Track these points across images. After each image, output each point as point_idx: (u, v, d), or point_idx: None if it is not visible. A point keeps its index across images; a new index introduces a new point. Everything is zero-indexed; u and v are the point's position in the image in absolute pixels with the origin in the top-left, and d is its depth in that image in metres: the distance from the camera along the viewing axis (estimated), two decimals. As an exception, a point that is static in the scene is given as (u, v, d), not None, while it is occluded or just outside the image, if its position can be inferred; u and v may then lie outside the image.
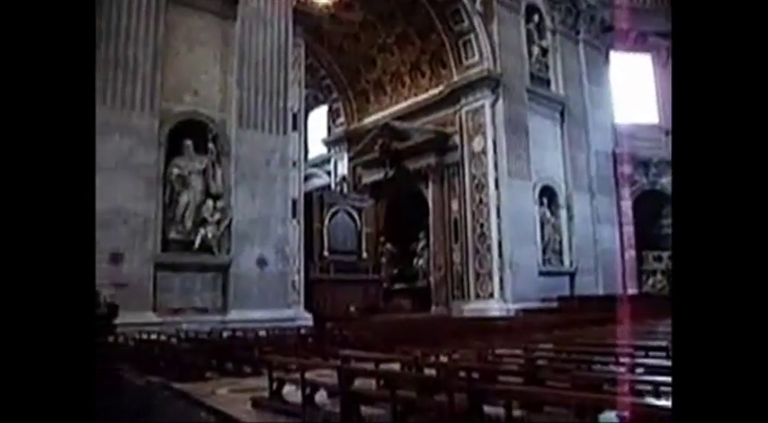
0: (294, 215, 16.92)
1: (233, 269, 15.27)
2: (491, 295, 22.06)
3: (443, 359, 6.44)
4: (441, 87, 25.21)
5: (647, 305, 19.18)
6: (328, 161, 31.86)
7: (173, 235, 14.69)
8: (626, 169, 27.35)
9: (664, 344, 6.66)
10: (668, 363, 5.19)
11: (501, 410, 4.06)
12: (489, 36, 23.28)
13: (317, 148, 33.11)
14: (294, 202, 16.95)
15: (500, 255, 22.00)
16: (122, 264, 13.46)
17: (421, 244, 26.10)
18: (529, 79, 24.45)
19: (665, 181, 27.28)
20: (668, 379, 3.97)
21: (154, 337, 10.92)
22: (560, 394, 4.26)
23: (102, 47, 13.86)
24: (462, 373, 4.84)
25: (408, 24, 25.44)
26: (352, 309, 21.11)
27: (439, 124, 25.28)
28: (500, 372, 5.56)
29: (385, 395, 4.93)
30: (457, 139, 24.22)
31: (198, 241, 14.86)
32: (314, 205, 21.66)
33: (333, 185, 29.51)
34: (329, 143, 32.00)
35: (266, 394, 5.65)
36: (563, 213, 24.74)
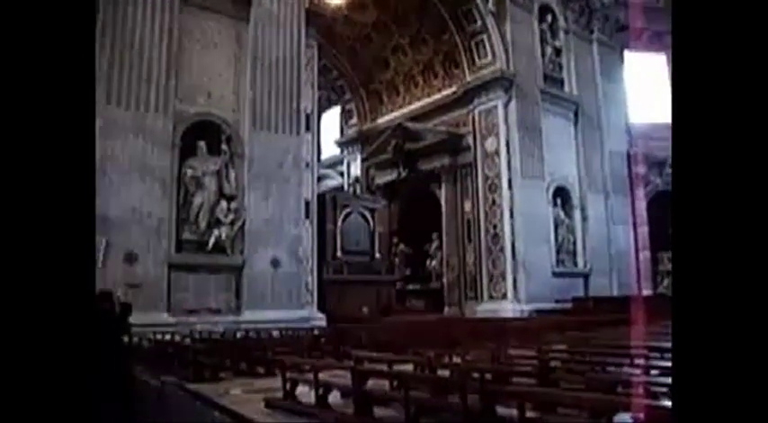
0: (307, 216, 16.97)
1: (246, 270, 15.34)
2: (504, 296, 21.98)
3: (456, 360, 6.42)
4: (454, 88, 25.16)
5: (661, 306, 18.98)
6: (341, 162, 31.89)
7: (187, 236, 14.79)
8: (641, 169, 27.12)
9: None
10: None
11: (514, 412, 4.04)
12: (502, 36, 23.20)
13: (329, 149, 33.16)
14: (307, 203, 17.00)
15: (513, 255, 21.91)
16: (137, 264, 13.57)
17: (434, 245, 26.05)
18: (542, 79, 24.32)
19: (681, 181, 26.96)
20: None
21: (168, 337, 10.99)
22: (574, 396, 4.23)
23: (117, 49, 14.01)
24: (475, 375, 4.83)
25: (421, 25, 25.42)
26: (364, 309, 21.12)
27: (452, 125, 25.24)
28: (513, 373, 5.54)
29: (398, 396, 4.93)
30: (470, 139, 24.17)
31: (212, 242, 14.94)
32: (327, 206, 21.69)
33: (346, 186, 29.54)
34: (342, 144, 32.03)
35: (280, 395, 5.67)
36: (577, 214, 24.59)
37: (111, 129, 13.71)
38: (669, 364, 5.70)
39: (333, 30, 24.69)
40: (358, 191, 25.25)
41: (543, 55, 24.88)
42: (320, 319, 16.64)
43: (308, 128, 17.34)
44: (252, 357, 8.09)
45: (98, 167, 13.40)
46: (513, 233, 22.05)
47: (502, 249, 22.23)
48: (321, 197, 20.64)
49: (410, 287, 26.40)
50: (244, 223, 15.44)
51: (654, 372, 5.32)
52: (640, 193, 26.92)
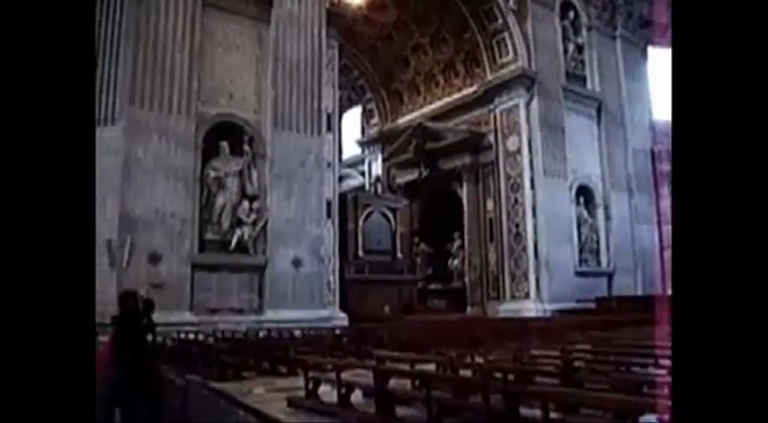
0: (329, 216, 17.03)
1: (269, 269, 15.42)
2: (527, 296, 21.85)
3: (479, 360, 6.39)
4: (475, 87, 25.06)
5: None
6: (362, 162, 31.95)
7: (209, 236, 14.91)
8: (665, 167, 26.73)
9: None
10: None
11: (537, 412, 4.01)
12: (523, 34, 23.05)
13: (351, 149, 33.23)
14: (329, 203, 17.06)
15: (536, 255, 21.76)
16: (161, 264, 13.72)
17: (456, 244, 25.97)
18: (564, 77, 24.11)
19: (706, 179, 26.58)
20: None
21: (191, 336, 11.09)
22: (599, 396, 4.19)
23: (140, 52, 14.18)
24: (498, 375, 4.80)
25: (442, 24, 25.37)
26: (386, 309, 21.14)
27: (473, 124, 25.14)
28: (536, 373, 5.50)
29: (420, 396, 4.91)
30: (491, 138, 24.05)
31: (234, 242, 15.05)
32: (348, 206, 21.75)
33: (367, 186, 29.57)
34: (363, 144, 32.09)
35: (302, 394, 5.69)
36: (600, 213, 24.36)
37: (135, 130, 13.90)
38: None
39: (353, 30, 24.74)
40: (379, 190, 25.26)
41: (565, 52, 24.67)
42: (342, 319, 16.68)
43: (329, 128, 17.39)
44: (274, 357, 8.13)
45: (123, 168, 13.61)
46: (535, 232, 21.90)
47: (524, 249, 22.09)
48: (342, 197, 20.69)
49: (432, 287, 26.36)
50: (266, 223, 15.53)
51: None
52: (665, 191, 26.54)
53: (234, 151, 15.57)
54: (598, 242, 24.17)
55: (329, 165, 17.32)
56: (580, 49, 25.40)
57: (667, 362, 5.87)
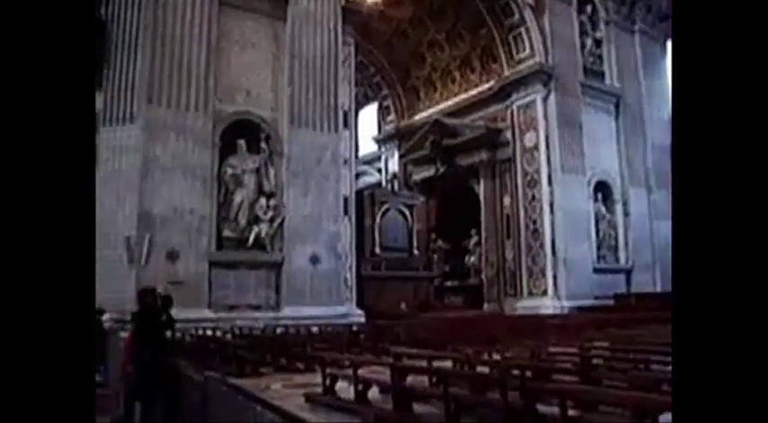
0: (346, 213, 17.06)
1: (286, 266, 15.49)
2: (544, 293, 21.73)
3: (496, 357, 6.37)
4: (491, 82, 24.95)
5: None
6: (379, 159, 31.94)
7: (227, 233, 15.00)
8: (685, 162, 26.39)
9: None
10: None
11: (555, 410, 3.99)
12: (541, 29, 22.87)
13: (367, 146, 33.25)
14: (346, 200, 17.09)
15: (553, 251, 21.64)
16: (179, 262, 13.83)
17: (473, 241, 25.89)
18: (582, 72, 23.88)
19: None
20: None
21: (209, 333, 11.17)
22: (617, 394, 4.15)
23: (157, 50, 14.30)
24: (516, 372, 4.78)
25: (458, 19, 25.27)
26: (403, 306, 21.14)
27: (490, 120, 25.03)
28: (554, 370, 5.47)
29: (437, 392, 4.91)
30: (508, 134, 23.93)
31: (251, 239, 15.13)
32: (365, 203, 21.77)
33: (384, 183, 29.59)
34: (379, 141, 32.08)
35: (319, 390, 5.70)
36: (618, 209, 24.15)
37: (153, 128, 14.02)
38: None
39: (369, 26, 24.73)
40: (396, 187, 25.26)
41: (583, 47, 24.42)
42: (359, 316, 16.71)
43: (345, 125, 17.42)
44: (292, 353, 8.15)
45: (141, 166, 13.74)
46: (553, 229, 21.77)
47: (542, 245, 21.98)
48: (359, 194, 20.71)
49: (448, 283, 26.30)
50: (283, 220, 15.59)
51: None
52: (685, 186, 26.20)
53: (251, 149, 15.64)
54: (616, 238, 23.97)
55: (346, 162, 17.35)
56: (598, 43, 25.15)
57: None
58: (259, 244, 15.24)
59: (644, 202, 24.67)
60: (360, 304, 17.59)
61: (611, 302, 21.35)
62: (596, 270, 22.49)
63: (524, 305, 21.84)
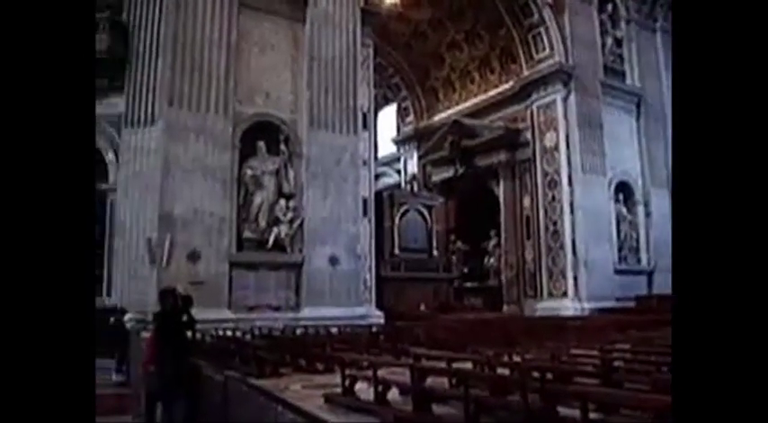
0: (365, 214, 17.08)
1: (305, 267, 15.53)
2: (564, 294, 21.58)
3: (516, 359, 6.34)
4: (511, 83, 24.85)
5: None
6: (398, 160, 31.95)
7: (247, 234, 15.08)
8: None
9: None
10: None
11: (576, 412, 3.96)
12: (560, 28, 22.72)
13: (386, 147, 33.25)
14: (365, 201, 17.11)
15: (574, 253, 21.48)
16: (199, 262, 13.93)
17: (492, 242, 25.79)
18: (602, 72, 23.69)
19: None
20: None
21: (229, 333, 11.24)
22: (639, 397, 4.12)
23: (178, 53, 14.41)
24: (536, 374, 4.76)
25: (477, 20, 25.20)
26: (422, 307, 21.10)
27: (509, 120, 24.93)
28: (575, 372, 5.43)
29: (457, 394, 4.90)
30: (528, 134, 23.81)
31: (271, 240, 15.19)
32: (384, 204, 21.77)
33: (403, 184, 29.57)
34: (398, 142, 32.08)
35: (339, 391, 5.72)
36: (640, 209, 23.91)
37: (173, 130, 14.14)
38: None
39: (388, 27, 24.74)
40: (415, 188, 25.23)
41: (603, 46, 24.22)
42: (378, 317, 16.71)
43: (365, 126, 17.45)
44: (311, 354, 8.18)
45: (162, 168, 13.86)
46: (573, 230, 21.62)
47: (562, 246, 21.83)
48: (378, 195, 20.72)
49: (468, 285, 26.21)
50: (302, 221, 15.64)
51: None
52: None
53: (270, 150, 15.71)
54: (638, 239, 23.74)
55: (365, 163, 17.37)
56: (619, 42, 24.92)
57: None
58: (279, 245, 15.30)
59: (666, 203, 24.34)
60: (379, 305, 17.59)
61: (632, 304, 21.13)
62: (617, 271, 22.29)
63: (544, 307, 21.70)
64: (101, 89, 14.81)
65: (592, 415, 3.98)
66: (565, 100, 22.48)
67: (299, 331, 12.25)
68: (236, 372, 7.18)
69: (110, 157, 14.90)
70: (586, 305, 20.82)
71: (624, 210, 23.50)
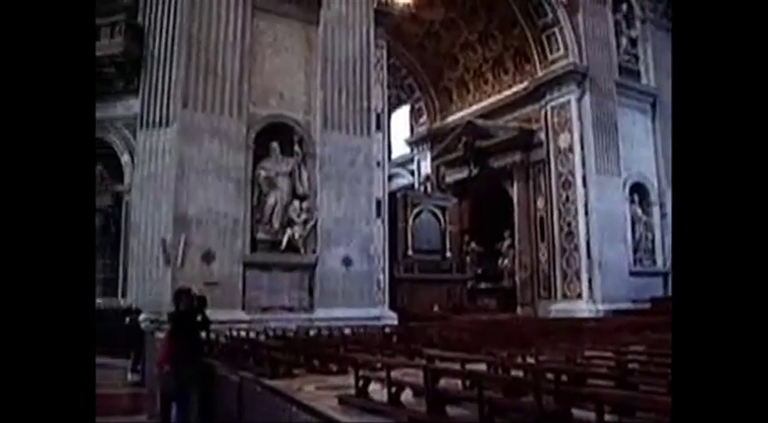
0: (378, 215, 17.08)
1: (319, 268, 15.56)
2: (579, 296, 21.46)
3: (530, 360, 6.31)
4: (525, 83, 24.75)
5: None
6: (411, 161, 31.94)
7: (261, 235, 15.13)
8: (724, 163, 25.82)
9: None
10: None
11: (591, 414, 3.94)
12: (574, 28, 22.62)
13: (400, 148, 33.25)
14: (378, 202, 17.11)
15: (588, 254, 21.35)
16: (214, 263, 14.00)
17: (506, 243, 25.71)
18: (617, 72, 23.55)
19: None
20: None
21: (243, 334, 11.28)
22: (655, 399, 4.08)
23: (193, 55, 14.50)
24: (550, 375, 4.73)
25: (490, 20, 25.14)
26: (436, 308, 21.08)
27: (523, 121, 24.84)
28: (590, 374, 5.39)
29: (471, 395, 4.88)
30: (542, 135, 23.72)
31: (285, 241, 15.23)
32: (398, 205, 21.79)
33: (416, 185, 29.53)
34: (412, 143, 32.07)
35: (352, 392, 5.71)
36: (655, 211, 23.71)
37: (188, 132, 14.22)
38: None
39: (401, 28, 24.73)
40: (428, 189, 25.19)
41: (618, 46, 24.06)
42: (391, 318, 16.70)
43: (378, 127, 17.45)
44: (325, 355, 8.19)
45: (177, 169, 13.95)
46: (587, 231, 21.50)
47: (576, 247, 21.71)
48: (392, 196, 20.74)
49: (481, 286, 26.15)
50: (316, 223, 15.67)
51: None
52: (724, 188, 25.63)
53: (284, 151, 15.76)
54: (653, 241, 23.53)
55: (378, 164, 17.37)
56: (633, 42, 24.75)
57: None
58: (292, 246, 15.34)
59: (682, 204, 24.15)
60: (392, 306, 17.59)
61: (647, 306, 20.96)
62: (632, 273, 22.12)
63: (558, 308, 21.59)
64: (116, 91, 14.97)
65: (607, 417, 3.95)
66: (579, 100, 22.37)
67: (312, 332, 12.27)
68: (250, 372, 7.22)
69: (125, 158, 15.02)
70: (601, 307, 20.68)
71: (639, 211, 23.32)
